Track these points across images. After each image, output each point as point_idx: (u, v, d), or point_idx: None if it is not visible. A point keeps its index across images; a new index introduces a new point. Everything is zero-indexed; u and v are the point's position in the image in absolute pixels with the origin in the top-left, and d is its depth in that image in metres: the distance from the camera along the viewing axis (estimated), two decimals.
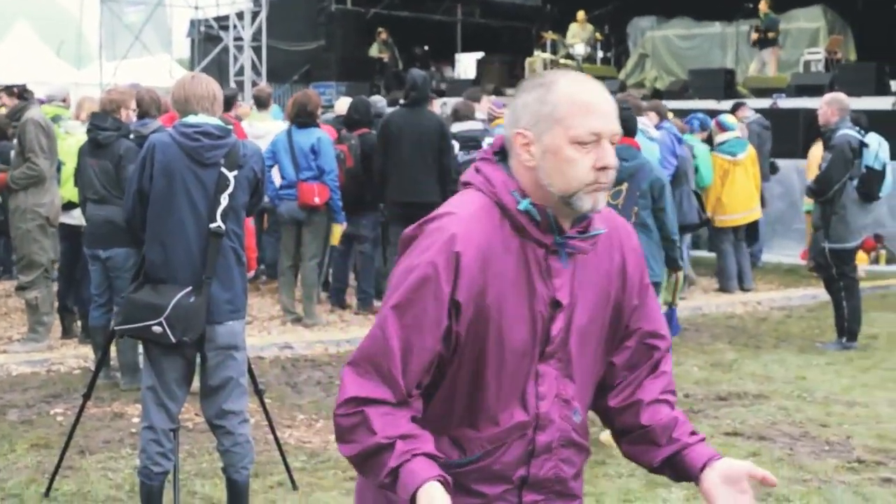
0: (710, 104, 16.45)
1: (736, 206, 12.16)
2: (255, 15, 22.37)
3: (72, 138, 8.66)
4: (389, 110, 11.12)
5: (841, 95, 9.54)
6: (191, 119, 4.84)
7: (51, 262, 8.70)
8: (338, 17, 24.09)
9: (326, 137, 9.74)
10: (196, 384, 5.02)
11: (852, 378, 8.29)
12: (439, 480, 2.23)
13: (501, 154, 2.44)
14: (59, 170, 8.63)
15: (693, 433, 2.49)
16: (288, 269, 10.08)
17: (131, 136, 7.25)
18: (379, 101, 12.10)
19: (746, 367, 8.62)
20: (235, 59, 22.32)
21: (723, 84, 18.16)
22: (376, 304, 10.55)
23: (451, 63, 28.13)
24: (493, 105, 11.60)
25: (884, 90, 16.66)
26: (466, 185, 2.44)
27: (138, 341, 5.95)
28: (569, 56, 21.72)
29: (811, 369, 8.57)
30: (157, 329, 4.69)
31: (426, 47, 27.00)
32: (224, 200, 4.78)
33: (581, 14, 22.27)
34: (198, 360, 4.93)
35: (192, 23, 25.08)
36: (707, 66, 20.24)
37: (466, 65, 27.74)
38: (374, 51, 23.83)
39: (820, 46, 19.94)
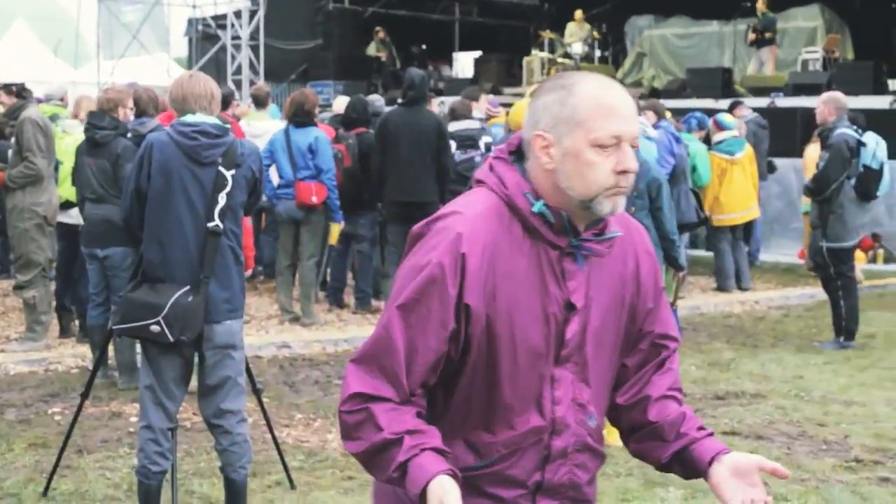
0: (708, 103, 16.45)
1: (734, 206, 12.16)
2: (252, 14, 22.36)
3: (69, 137, 8.65)
4: (387, 109, 11.11)
5: (838, 94, 9.53)
6: (188, 118, 4.83)
7: (48, 262, 8.69)
8: (335, 15, 24.10)
9: (324, 137, 9.73)
10: (194, 383, 5.02)
11: (850, 377, 8.29)
12: (449, 474, 2.22)
13: (517, 154, 2.41)
14: (56, 169, 8.61)
15: (701, 428, 2.48)
16: (286, 268, 10.07)
17: (129, 135, 7.25)
18: (377, 100, 12.07)
19: (744, 366, 8.62)
20: (233, 57, 22.30)
21: (720, 83, 18.17)
22: (374, 303, 10.55)
23: (449, 62, 28.15)
24: (490, 104, 11.61)
25: (881, 89, 16.68)
26: (479, 182, 2.42)
27: (136, 340, 5.95)
28: (566, 55, 21.71)
29: (809, 368, 8.57)
30: (154, 328, 4.68)
31: (424, 46, 27.00)
32: (222, 199, 4.78)
33: (579, 13, 22.24)
34: (196, 359, 4.93)
35: (190, 21, 25.08)
36: (705, 65, 20.24)
37: (464, 64, 27.77)
38: (371, 50, 23.81)
39: (817, 45, 19.94)
